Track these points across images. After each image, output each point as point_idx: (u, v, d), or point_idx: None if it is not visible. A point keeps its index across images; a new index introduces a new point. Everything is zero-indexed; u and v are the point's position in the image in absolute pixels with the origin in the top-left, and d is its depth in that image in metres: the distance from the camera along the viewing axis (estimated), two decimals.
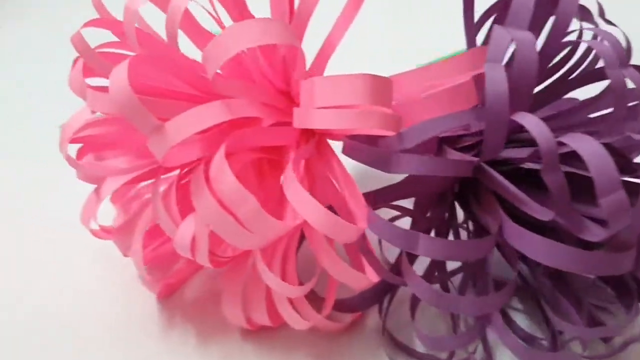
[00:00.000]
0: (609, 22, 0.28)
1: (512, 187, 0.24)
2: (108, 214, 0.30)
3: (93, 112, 0.26)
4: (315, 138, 0.27)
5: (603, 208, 0.21)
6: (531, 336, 0.27)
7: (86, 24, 0.26)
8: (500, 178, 0.25)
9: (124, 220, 0.28)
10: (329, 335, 0.28)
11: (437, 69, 0.26)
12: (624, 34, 0.28)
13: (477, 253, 0.24)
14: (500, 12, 0.28)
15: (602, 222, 0.23)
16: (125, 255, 0.28)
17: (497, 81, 0.23)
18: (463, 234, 0.29)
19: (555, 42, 0.26)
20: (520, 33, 0.24)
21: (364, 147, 0.25)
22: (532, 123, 0.23)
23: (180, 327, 0.29)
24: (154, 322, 0.29)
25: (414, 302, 0.28)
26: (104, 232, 0.30)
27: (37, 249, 0.33)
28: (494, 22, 0.28)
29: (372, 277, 0.27)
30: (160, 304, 0.30)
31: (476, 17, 0.29)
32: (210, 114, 0.24)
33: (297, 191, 0.24)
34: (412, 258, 0.26)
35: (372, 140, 0.25)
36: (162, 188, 0.26)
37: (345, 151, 0.26)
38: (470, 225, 0.29)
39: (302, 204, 0.24)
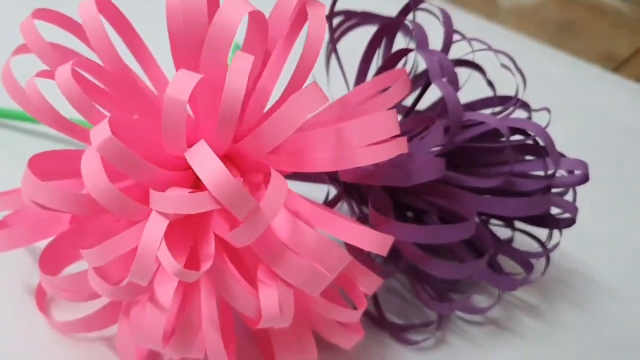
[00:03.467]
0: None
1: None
2: None
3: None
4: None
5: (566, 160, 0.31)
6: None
7: None
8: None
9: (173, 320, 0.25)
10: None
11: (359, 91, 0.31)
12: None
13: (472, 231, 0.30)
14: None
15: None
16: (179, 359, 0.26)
17: (451, 92, 0.30)
18: None
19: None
20: (440, 54, 0.31)
21: (376, 169, 0.29)
22: (483, 116, 0.30)
23: None
24: None
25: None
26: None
27: None
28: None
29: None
30: None
31: None
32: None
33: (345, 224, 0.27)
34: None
35: None
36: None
37: (345, 178, 0.29)
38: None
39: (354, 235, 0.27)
